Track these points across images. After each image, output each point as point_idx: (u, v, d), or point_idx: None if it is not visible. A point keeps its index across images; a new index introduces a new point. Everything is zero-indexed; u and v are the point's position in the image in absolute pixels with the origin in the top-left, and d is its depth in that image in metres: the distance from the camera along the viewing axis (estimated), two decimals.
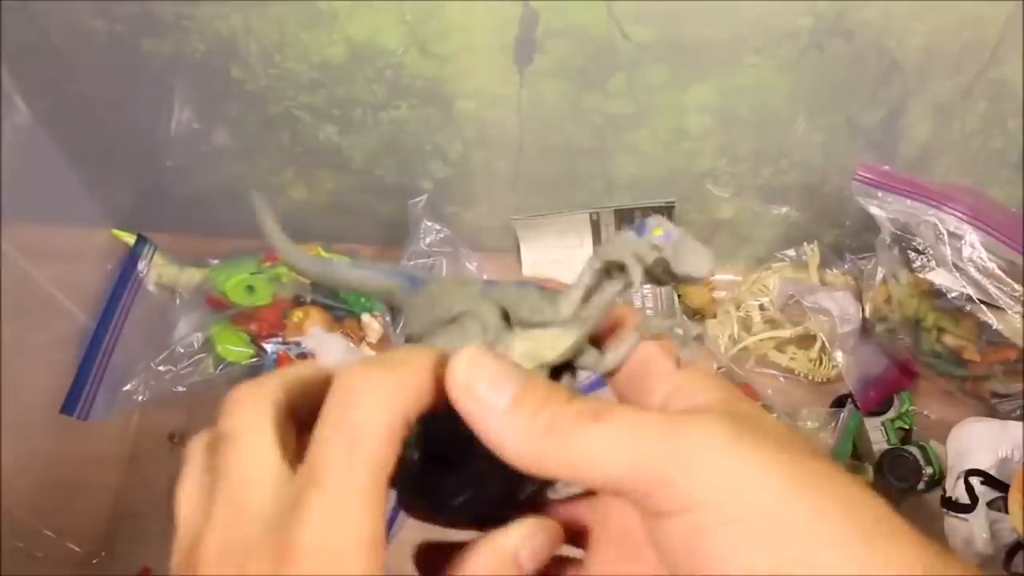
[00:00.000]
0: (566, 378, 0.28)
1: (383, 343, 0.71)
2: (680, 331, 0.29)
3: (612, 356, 0.29)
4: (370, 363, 0.22)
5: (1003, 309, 0.58)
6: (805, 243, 0.76)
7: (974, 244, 0.58)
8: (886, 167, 0.63)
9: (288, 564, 0.20)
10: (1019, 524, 0.56)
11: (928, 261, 0.61)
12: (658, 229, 0.27)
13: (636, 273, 0.26)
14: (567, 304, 0.27)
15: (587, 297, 0.27)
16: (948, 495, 0.63)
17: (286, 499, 0.21)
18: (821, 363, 0.73)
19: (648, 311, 0.78)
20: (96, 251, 0.77)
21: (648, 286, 0.79)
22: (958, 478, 0.62)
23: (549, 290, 0.28)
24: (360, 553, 0.20)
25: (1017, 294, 0.57)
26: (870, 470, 0.66)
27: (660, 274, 0.26)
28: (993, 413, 0.67)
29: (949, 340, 0.64)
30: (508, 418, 0.21)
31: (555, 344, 0.27)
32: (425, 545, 0.27)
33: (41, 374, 0.69)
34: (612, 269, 0.27)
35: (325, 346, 0.25)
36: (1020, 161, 0.66)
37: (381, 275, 0.33)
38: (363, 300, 0.73)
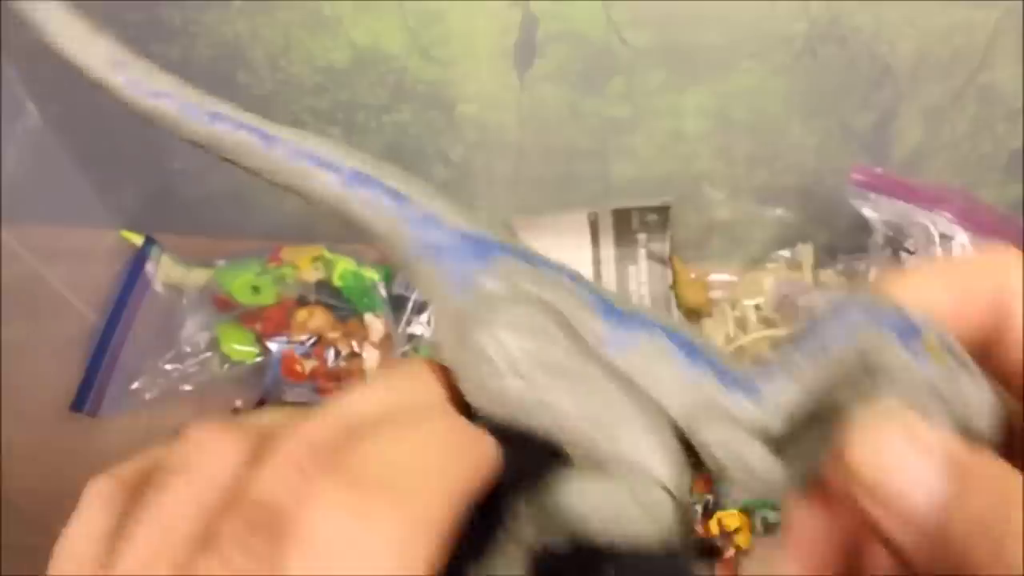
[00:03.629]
0: None
1: (386, 344, 0.72)
2: None
3: None
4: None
5: None
6: (799, 244, 0.77)
7: (964, 245, 0.59)
8: (879, 170, 0.64)
9: None
10: None
11: (920, 262, 0.62)
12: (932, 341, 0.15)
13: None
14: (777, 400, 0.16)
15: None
16: None
17: None
18: None
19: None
20: (105, 252, 0.78)
21: (645, 282, 0.80)
22: None
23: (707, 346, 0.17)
24: None
25: None
26: None
27: None
28: None
29: None
30: None
31: None
32: None
33: (51, 372, 0.70)
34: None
35: None
36: (1008, 164, 0.67)
37: (308, 163, 0.18)
38: (365, 300, 0.73)
